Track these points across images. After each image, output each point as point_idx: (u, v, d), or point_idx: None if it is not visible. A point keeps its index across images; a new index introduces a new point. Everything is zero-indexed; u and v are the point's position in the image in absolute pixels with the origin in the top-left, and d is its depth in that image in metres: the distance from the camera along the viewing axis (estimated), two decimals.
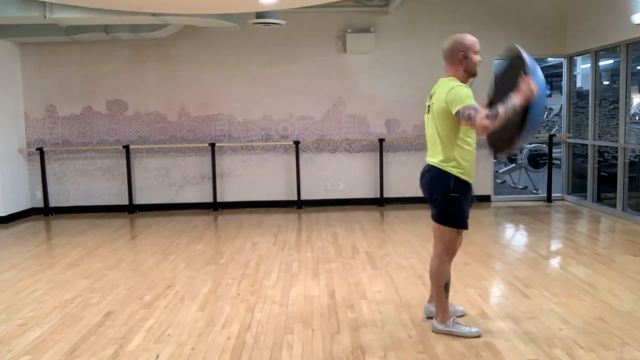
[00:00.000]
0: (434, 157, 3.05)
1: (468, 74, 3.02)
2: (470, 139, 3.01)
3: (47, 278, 4.50)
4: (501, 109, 2.71)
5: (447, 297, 3.17)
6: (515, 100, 2.72)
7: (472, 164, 3.04)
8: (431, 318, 3.30)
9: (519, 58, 2.86)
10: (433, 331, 3.17)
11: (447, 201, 3.02)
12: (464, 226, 3.08)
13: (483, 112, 2.76)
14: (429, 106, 3.10)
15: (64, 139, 7.63)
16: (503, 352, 2.90)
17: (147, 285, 4.24)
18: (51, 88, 7.56)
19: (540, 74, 2.82)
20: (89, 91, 7.58)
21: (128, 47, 7.50)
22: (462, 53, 2.99)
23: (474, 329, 3.13)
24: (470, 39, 3.02)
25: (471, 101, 2.83)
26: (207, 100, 7.60)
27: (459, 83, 2.96)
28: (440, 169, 3.01)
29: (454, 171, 2.98)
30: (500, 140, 2.98)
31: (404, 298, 3.78)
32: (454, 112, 2.85)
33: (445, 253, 3.12)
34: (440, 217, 3.09)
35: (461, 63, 3.00)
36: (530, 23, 7.45)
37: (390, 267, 4.55)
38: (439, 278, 3.14)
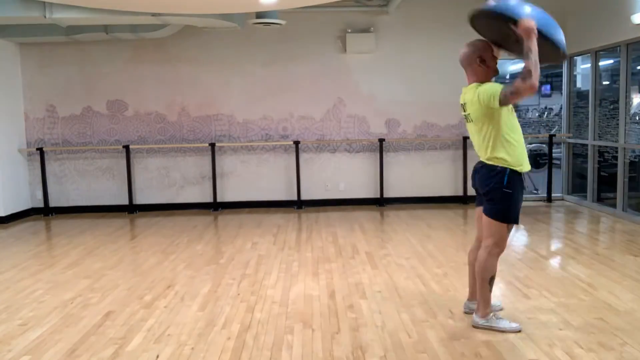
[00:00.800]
0: (485, 156, 3.12)
1: (490, 75, 3.09)
2: (514, 134, 3.05)
3: (47, 278, 4.50)
4: (525, 62, 2.77)
5: (490, 291, 3.20)
6: (529, 46, 2.76)
7: (523, 153, 3.08)
8: (470, 313, 3.36)
9: (493, 16, 2.90)
10: (473, 326, 3.20)
11: (501, 197, 3.05)
12: (516, 221, 3.13)
13: (516, 80, 2.81)
14: (466, 116, 3.18)
15: (64, 139, 7.63)
16: (503, 352, 2.89)
17: (147, 285, 4.24)
18: (51, 88, 7.56)
19: (515, 2, 2.87)
20: (89, 91, 7.58)
21: (128, 47, 7.50)
22: (479, 57, 3.07)
23: (514, 325, 3.17)
24: (481, 41, 3.09)
25: (500, 86, 2.92)
26: (207, 100, 7.60)
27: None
28: (493, 165, 3.06)
29: (506, 163, 3.02)
30: (551, 58, 3.02)
31: (404, 298, 3.78)
32: (497, 105, 2.90)
33: (495, 247, 3.14)
34: (493, 212, 3.10)
35: (480, 67, 3.08)
36: None
37: (390, 267, 4.55)
38: (485, 272, 3.16)
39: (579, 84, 8.03)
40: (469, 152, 7.56)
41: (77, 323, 3.48)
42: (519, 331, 3.13)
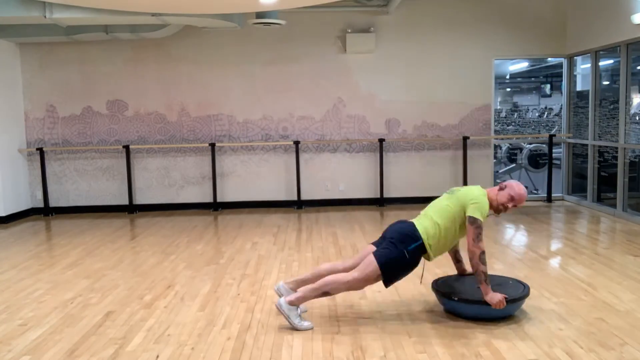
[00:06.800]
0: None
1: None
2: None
3: (47, 278, 4.50)
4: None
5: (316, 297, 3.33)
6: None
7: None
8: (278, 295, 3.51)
9: None
10: (277, 306, 3.30)
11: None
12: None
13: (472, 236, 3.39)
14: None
15: (64, 139, 7.63)
16: (503, 352, 2.90)
17: (147, 285, 4.24)
18: (51, 88, 7.56)
19: None
20: (89, 91, 7.58)
21: (128, 47, 7.50)
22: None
23: (306, 323, 3.27)
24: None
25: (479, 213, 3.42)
26: (207, 100, 7.60)
27: None
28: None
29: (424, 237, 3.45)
30: None
31: (404, 298, 3.78)
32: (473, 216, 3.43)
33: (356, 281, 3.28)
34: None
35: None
36: (530, 23, 7.45)
37: None
38: (332, 286, 3.26)
39: (579, 84, 8.03)
40: (469, 152, 7.56)
41: (77, 323, 3.48)
42: (311, 329, 3.24)
